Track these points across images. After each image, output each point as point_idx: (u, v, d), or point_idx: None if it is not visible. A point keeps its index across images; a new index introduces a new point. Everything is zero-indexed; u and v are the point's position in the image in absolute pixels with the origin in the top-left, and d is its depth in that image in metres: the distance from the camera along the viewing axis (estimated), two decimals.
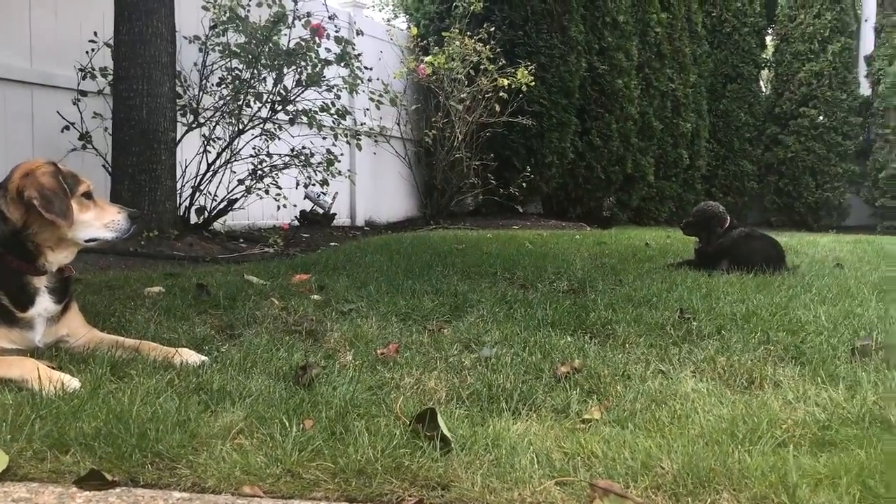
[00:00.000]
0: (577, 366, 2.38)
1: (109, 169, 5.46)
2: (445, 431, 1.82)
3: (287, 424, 1.87)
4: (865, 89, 16.74)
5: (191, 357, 2.47)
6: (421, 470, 1.68)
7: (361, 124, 8.50)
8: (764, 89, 17.79)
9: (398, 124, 9.67)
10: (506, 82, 8.93)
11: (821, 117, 16.06)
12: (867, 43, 17.19)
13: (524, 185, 9.78)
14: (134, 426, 1.85)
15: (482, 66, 9.05)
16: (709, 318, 3.17)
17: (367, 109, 7.76)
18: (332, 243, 6.53)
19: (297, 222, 7.79)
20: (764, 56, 17.35)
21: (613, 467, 1.68)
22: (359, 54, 6.64)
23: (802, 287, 3.98)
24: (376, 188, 9.66)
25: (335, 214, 8.23)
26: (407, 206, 10.31)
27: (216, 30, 6.20)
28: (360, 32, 6.99)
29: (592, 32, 11.81)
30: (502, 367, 2.40)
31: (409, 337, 2.81)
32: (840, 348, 2.68)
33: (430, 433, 1.81)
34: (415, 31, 10.01)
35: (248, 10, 6.22)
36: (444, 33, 9.33)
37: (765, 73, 17.89)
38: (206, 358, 2.47)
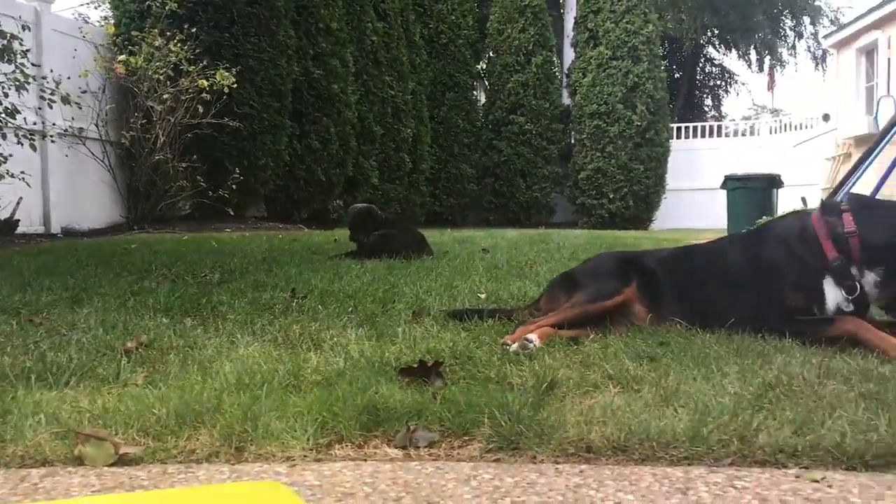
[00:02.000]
0: (143, 341, 2.53)
1: None
2: None
3: None
4: (566, 98, 18.60)
5: None
6: None
7: (52, 125, 8.09)
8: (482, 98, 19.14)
9: (97, 125, 9.26)
10: (206, 83, 8.89)
11: (528, 124, 17.58)
12: (568, 57, 19.09)
13: (234, 187, 9.75)
14: None
15: (181, 67, 8.94)
16: (320, 296, 3.46)
17: (40, 108, 7.38)
18: None
19: None
20: (479, 67, 18.67)
21: (113, 418, 1.85)
22: (27, 50, 6.31)
23: (428, 269, 4.45)
24: (74, 193, 9.18)
25: (18, 221, 7.73)
26: (111, 212, 9.88)
27: None
28: (26, 27, 6.63)
29: (307, 38, 12.07)
30: (72, 346, 2.49)
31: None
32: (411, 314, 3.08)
33: None
34: (112, 28, 9.66)
35: None
36: (133, 33, 9.10)
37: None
38: None
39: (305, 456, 1.74)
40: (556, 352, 2.48)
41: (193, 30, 9.29)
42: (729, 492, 1.51)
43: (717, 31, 31.89)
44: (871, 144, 6.40)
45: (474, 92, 18.02)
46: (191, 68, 8.99)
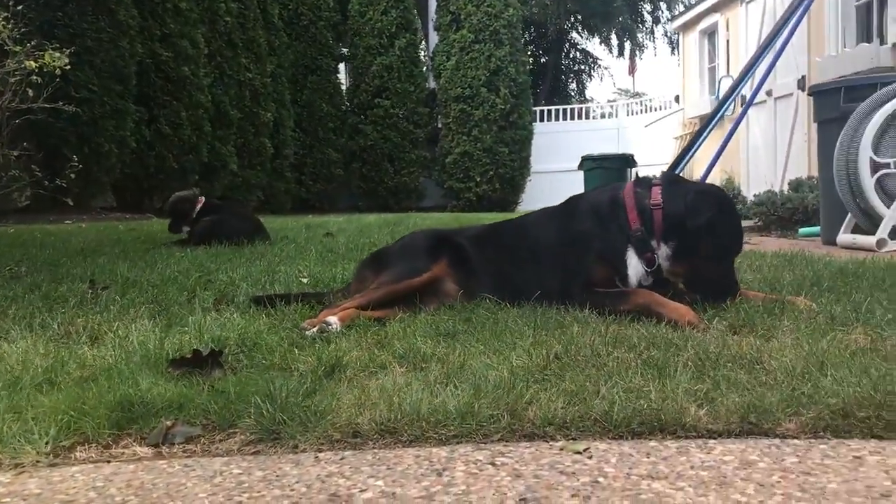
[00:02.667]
0: None
1: None
2: None
3: None
4: (432, 82, 18.57)
5: None
6: None
7: None
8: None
9: None
10: (34, 64, 8.25)
11: (394, 108, 17.43)
12: (433, 40, 19.06)
13: (73, 176, 9.12)
14: None
15: (7, 48, 8.26)
16: (122, 286, 3.22)
17: None
18: None
19: None
20: (342, 49, 18.34)
21: None
22: None
23: (257, 255, 4.26)
24: None
25: None
26: None
27: None
28: None
29: (152, 17, 11.48)
30: None
31: None
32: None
33: None
34: None
35: None
36: None
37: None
38: None
39: (39, 462, 1.55)
40: (355, 334, 2.37)
41: (20, 7, 8.59)
42: (486, 469, 1.44)
43: (580, 17, 32.72)
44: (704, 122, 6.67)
45: (338, 75, 17.69)
46: (17, 48, 8.31)
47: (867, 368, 1.82)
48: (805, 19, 8.18)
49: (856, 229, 5.51)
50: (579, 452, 1.52)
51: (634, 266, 2.67)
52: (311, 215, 11.95)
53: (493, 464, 1.47)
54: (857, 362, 1.88)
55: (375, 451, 1.57)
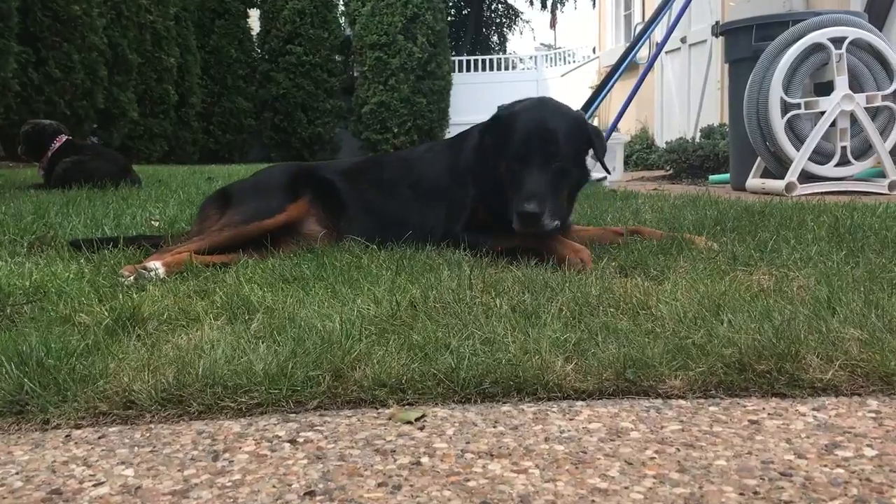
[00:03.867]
0: None
1: None
2: None
3: None
4: (346, 29, 17.84)
5: None
6: None
7: None
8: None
9: None
10: None
11: (307, 55, 16.66)
12: None
13: None
14: None
15: None
16: None
17: None
18: None
19: None
20: None
21: None
22: None
23: (118, 198, 3.80)
24: None
25: None
26: None
27: None
28: None
29: None
30: None
31: None
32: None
33: None
34: None
35: None
36: None
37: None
38: None
39: None
40: (177, 282, 1.98)
41: None
42: (281, 450, 1.09)
43: None
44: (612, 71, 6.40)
45: (248, 20, 16.76)
46: None
47: (769, 312, 1.54)
48: None
49: (765, 174, 5.34)
50: (410, 422, 1.19)
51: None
52: (213, 165, 11.32)
53: (293, 441, 1.13)
54: (758, 305, 1.60)
55: (151, 426, 1.21)
